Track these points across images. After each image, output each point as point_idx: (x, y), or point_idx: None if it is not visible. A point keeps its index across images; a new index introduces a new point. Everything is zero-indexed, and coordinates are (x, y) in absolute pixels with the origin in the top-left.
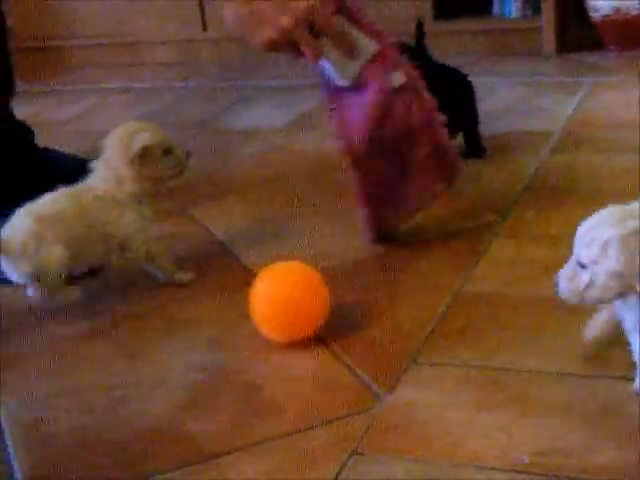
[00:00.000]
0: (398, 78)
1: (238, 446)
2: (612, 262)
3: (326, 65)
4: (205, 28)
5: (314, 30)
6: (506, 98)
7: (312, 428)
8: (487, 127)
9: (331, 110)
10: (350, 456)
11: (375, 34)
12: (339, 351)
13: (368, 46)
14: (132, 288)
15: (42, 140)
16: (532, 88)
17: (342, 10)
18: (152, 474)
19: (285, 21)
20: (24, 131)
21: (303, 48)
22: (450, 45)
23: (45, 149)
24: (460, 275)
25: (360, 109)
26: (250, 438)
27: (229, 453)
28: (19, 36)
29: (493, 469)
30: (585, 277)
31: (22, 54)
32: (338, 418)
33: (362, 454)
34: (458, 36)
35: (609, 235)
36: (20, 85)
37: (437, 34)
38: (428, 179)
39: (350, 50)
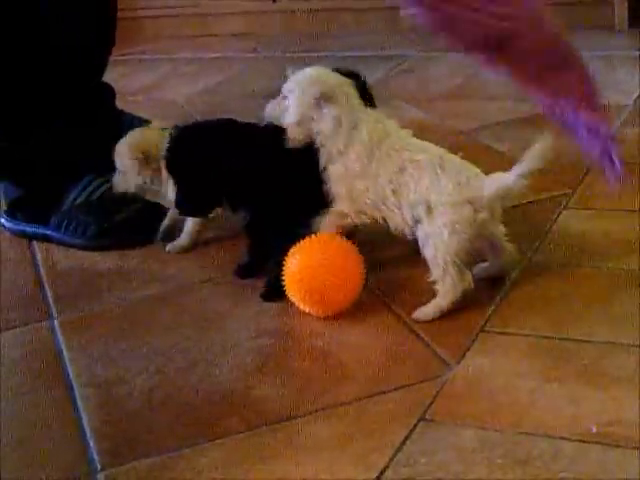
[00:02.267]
0: None
1: (307, 410)
2: None
3: None
4: (274, 0)
5: None
6: None
7: (381, 394)
8: None
9: None
10: (418, 422)
11: None
12: (408, 319)
13: None
14: (203, 255)
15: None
16: (604, 62)
17: None
18: (221, 436)
19: None
20: (109, 91)
21: None
22: None
23: (122, 112)
24: (530, 246)
25: None
26: (319, 403)
27: (298, 417)
28: None
29: (560, 438)
30: None
31: None
32: (407, 385)
33: (430, 421)
34: None
35: None
36: None
37: None
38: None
39: None
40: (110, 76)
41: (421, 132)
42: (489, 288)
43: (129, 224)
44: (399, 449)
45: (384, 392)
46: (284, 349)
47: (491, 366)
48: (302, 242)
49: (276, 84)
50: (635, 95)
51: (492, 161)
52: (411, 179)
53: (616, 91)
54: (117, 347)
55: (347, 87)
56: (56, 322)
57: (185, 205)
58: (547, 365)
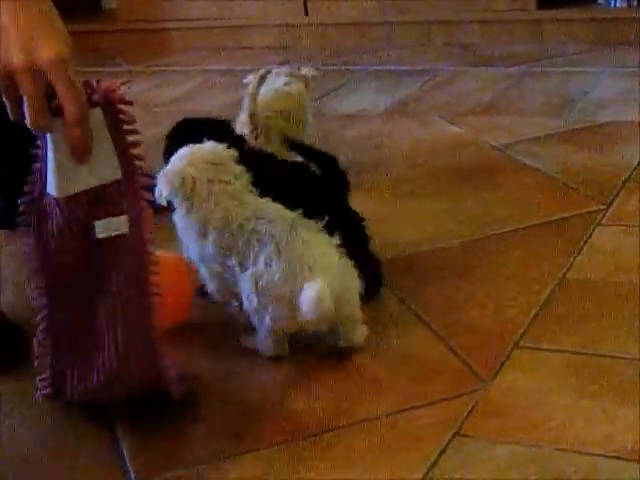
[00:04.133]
0: (110, 226)
1: (342, 423)
2: None
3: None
4: (307, 13)
5: (48, 92)
6: (612, 88)
7: (416, 408)
8: (593, 117)
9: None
10: (453, 437)
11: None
12: (442, 333)
13: (111, 169)
14: None
15: (147, 120)
16: (638, 79)
17: (108, 107)
18: (255, 448)
19: (19, 59)
20: None
21: (26, 102)
22: (553, 35)
23: None
24: (564, 262)
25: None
26: (354, 416)
27: (333, 430)
28: (124, 17)
29: (596, 455)
30: None
31: (126, 35)
32: (442, 400)
33: (465, 436)
34: (563, 25)
35: None
36: (124, 66)
37: (539, 22)
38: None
39: (82, 151)
40: (141, 87)
41: (455, 147)
42: (522, 303)
43: None
44: (434, 464)
45: (419, 406)
46: (318, 363)
47: (525, 382)
48: None
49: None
50: None
51: (525, 177)
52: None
53: None
54: None
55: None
56: None
57: None
58: (582, 381)
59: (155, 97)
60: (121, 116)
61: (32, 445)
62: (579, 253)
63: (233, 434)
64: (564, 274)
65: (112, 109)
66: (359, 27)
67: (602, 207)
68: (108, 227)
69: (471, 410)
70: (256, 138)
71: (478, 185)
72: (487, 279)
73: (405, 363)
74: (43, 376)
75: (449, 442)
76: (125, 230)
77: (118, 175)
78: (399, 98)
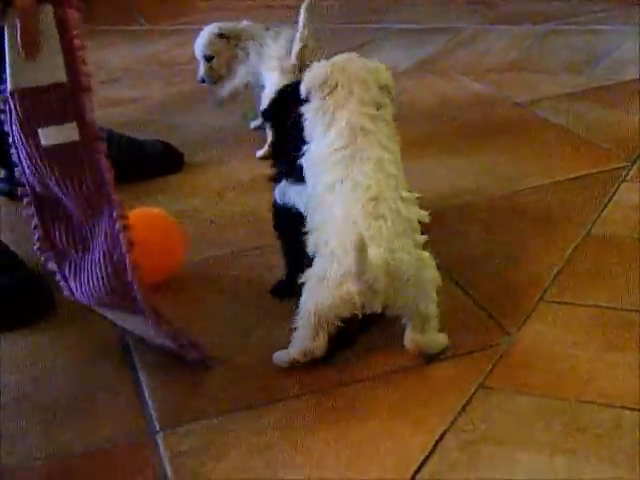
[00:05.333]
0: (57, 134)
1: (368, 375)
2: None
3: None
4: None
5: None
6: (635, 47)
7: (441, 361)
8: (618, 75)
9: None
10: (477, 389)
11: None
12: (468, 287)
13: (55, 69)
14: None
15: (167, 78)
16: None
17: (57, 8)
18: (280, 399)
19: None
20: None
21: None
22: None
23: None
24: (589, 218)
25: None
26: (379, 368)
27: (359, 382)
28: None
29: (622, 407)
30: None
31: None
32: (467, 352)
33: (490, 388)
34: None
35: None
36: (146, 25)
37: None
38: None
39: (29, 44)
40: (164, 46)
41: (480, 104)
42: (548, 258)
43: (8, 295)
44: (459, 415)
45: (444, 359)
46: None
47: (550, 335)
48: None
49: (331, 55)
50: None
51: (549, 134)
52: None
53: None
54: (173, 309)
55: None
56: None
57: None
58: (607, 335)
59: (177, 56)
60: (69, 17)
61: (56, 396)
62: (604, 209)
63: (256, 385)
64: (589, 230)
65: (61, 10)
66: None
67: (626, 164)
68: (55, 134)
69: (496, 363)
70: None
71: (502, 142)
72: (512, 234)
73: None
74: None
75: (474, 393)
76: (75, 138)
77: (64, 78)
78: (423, 56)
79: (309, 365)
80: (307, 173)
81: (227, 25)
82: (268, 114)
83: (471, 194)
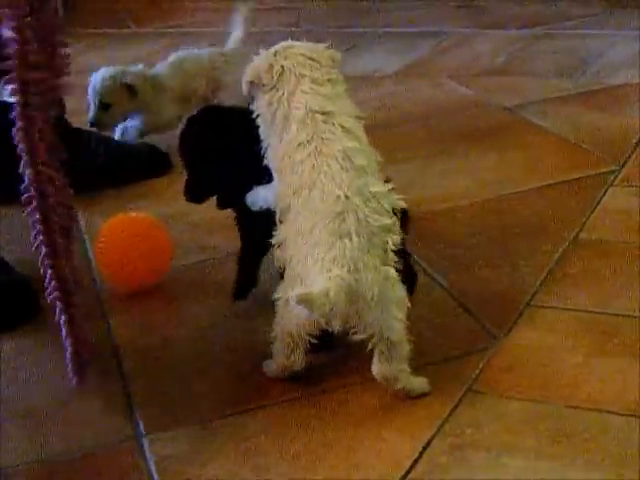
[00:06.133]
0: None
1: (354, 381)
2: None
3: None
4: None
5: None
6: (625, 51)
7: (429, 365)
8: (606, 79)
9: None
10: (465, 394)
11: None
12: (455, 292)
13: None
14: None
15: None
16: None
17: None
18: (267, 404)
19: None
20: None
21: None
22: None
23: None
24: (577, 223)
25: None
26: (366, 373)
27: (345, 386)
28: None
29: (609, 412)
30: None
31: None
32: (454, 357)
33: (477, 392)
34: None
35: None
36: (133, 27)
37: None
38: None
39: None
40: (152, 48)
41: (467, 108)
42: (535, 262)
43: None
44: (446, 420)
45: (431, 364)
46: None
47: (538, 340)
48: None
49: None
50: None
51: (537, 138)
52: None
53: None
54: (161, 314)
55: None
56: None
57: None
58: (593, 340)
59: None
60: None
61: (41, 399)
62: (592, 213)
63: (242, 390)
64: (576, 234)
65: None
66: None
67: (614, 168)
68: None
69: (483, 367)
70: None
71: (490, 146)
72: (499, 239)
73: (418, 321)
74: None
75: (462, 398)
76: None
77: None
78: (410, 60)
79: (297, 370)
80: (274, 173)
81: (133, 71)
82: (183, 150)
83: (459, 198)
